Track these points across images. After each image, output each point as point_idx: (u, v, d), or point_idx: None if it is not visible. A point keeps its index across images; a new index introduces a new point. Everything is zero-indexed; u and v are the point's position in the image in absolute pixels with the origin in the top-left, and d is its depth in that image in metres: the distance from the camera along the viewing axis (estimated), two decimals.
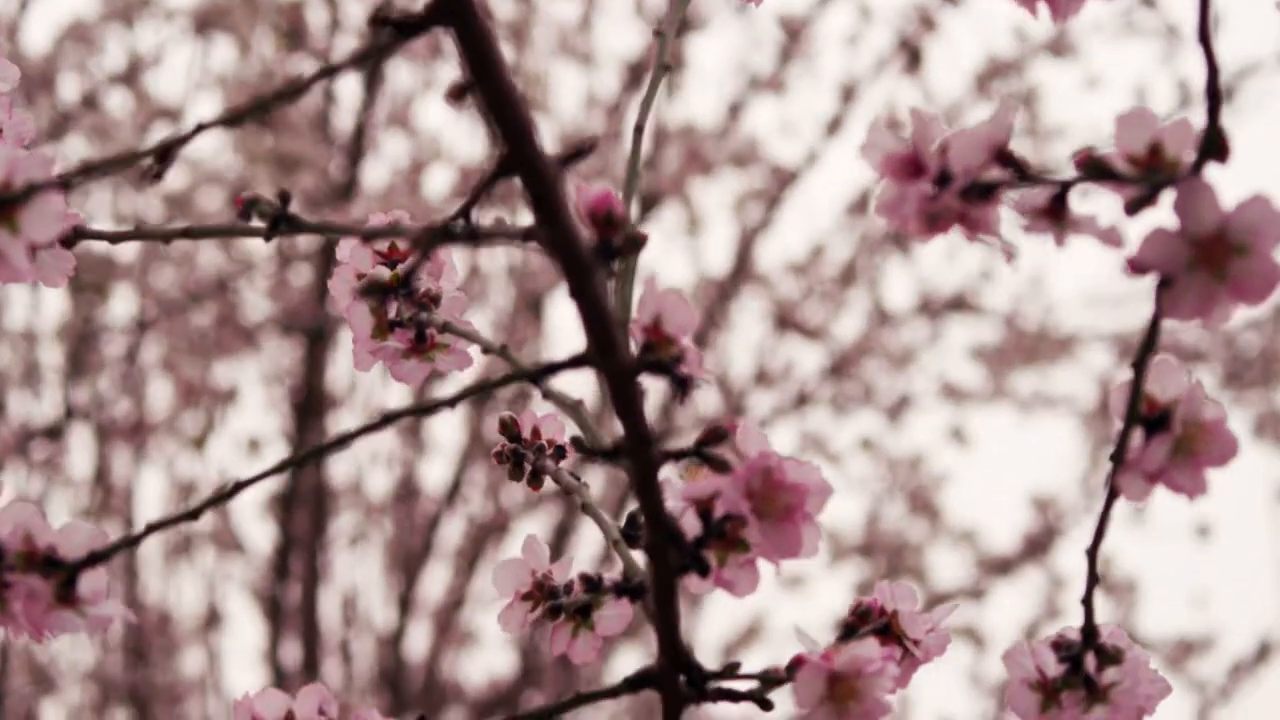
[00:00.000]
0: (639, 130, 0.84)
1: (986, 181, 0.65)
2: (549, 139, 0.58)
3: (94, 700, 4.14)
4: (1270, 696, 4.50)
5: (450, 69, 4.14)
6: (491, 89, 0.58)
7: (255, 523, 4.28)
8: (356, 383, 4.21)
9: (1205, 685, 4.51)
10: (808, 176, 4.22)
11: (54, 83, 3.65)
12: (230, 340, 4.10)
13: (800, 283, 4.36)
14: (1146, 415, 0.66)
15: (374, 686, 4.15)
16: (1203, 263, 0.61)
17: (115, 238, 0.81)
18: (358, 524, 4.32)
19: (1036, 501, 4.50)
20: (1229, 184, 0.62)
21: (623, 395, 0.63)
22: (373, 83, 4.07)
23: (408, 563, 4.24)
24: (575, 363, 0.63)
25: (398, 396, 4.22)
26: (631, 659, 4.16)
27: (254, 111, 0.65)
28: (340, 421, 4.22)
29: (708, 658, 0.71)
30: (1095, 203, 0.65)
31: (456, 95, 0.61)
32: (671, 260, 4.23)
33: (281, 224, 0.73)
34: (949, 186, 0.65)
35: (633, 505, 0.71)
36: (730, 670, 0.71)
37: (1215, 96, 0.62)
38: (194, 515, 0.71)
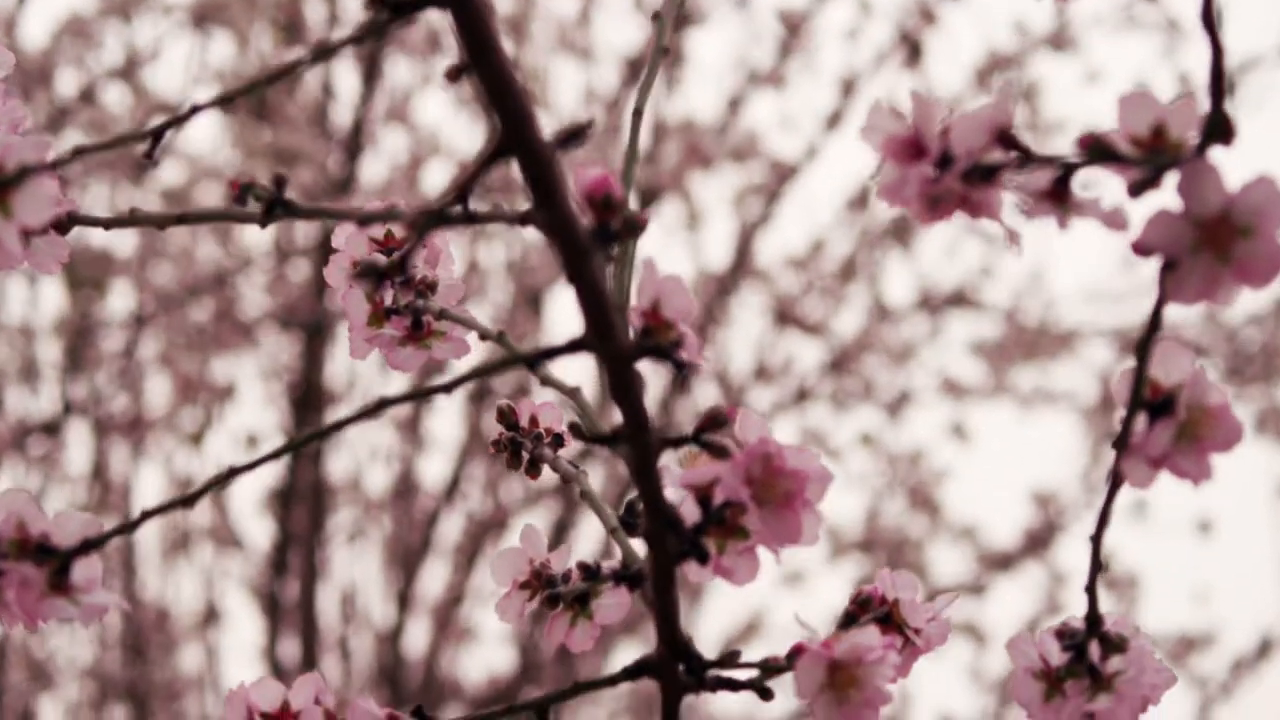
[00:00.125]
0: (638, 114, 0.83)
1: (989, 164, 0.64)
2: (547, 134, 0.57)
3: (92, 697, 4.14)
4: (1272, 693, 4.50)
5: (449, 62, 4.13)
6: (488, 70, 0.57)
7: (253, 519, 4.28)
8: (355, 378, 4.20)
9: (1206, 681, 4.51)
10: (807, 171, 4.22)
11: (51, 78, 3.65)
12: (228, 336, 4.09)
13: (800, 278, 4.36)
14: (1150, 400, 0.65)
15: (373, 683, 4.14)
16: (1207, 245, 0.61)
17: (110, 224, 0.80)
18: (356, 520, 4.32)
19: (1037, 497, 4.50)
20: (1231, 175, 0.61)
21: (621, 380, 0.62)
22: (371, 77, 4.07)
23: (406, 559, 4.23)
24: (573, 347, 0.62)
25: (397, 390, 4.21)
26: (631, 654, 4.15)
27: (249, 91, 0.65)
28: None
29: (707, 653, 0.70)
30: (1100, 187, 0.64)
31: (453, 76, 0.60)
32: (671, 255, 4.22)
33: (277, 209, 0.72)
34: (951, 169, 0.64)
35: (633, 497, 0.70)
36: (730, 659, 0.70)
37: (1219, 77, 0.62)
38: (189, 502, 0.70)
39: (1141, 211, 0.61)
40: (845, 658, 0.68)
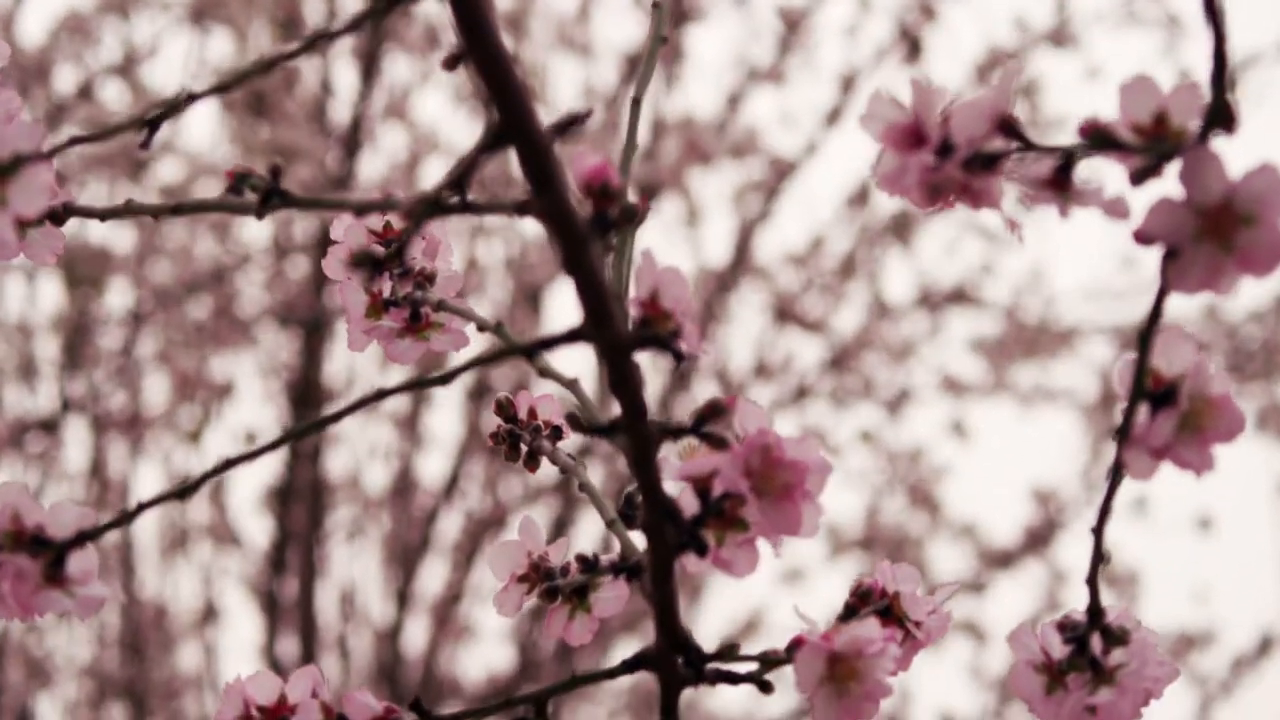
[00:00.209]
0: (636, 104, 0.83)
1: (989, 152, 0.64)
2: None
3: (90, 695, 4.14)
4: (1272, 691, 4.49)
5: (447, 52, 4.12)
6: (485, 56, 0.57)
7: (252, 517, 4.27)
8: (354, 375, 4.20)
9: (1207, 679, 4.50)
10: (807, 168, 4.22)
11: (49, 74, 3.65)
12: (227, 333, 4.09)
13: (800, 275, 4.36)
14: (1152, 390, 0.64)
15: (372, 681, 4.14)
16: (1209, 233, 0.60)
17: (106, 214, 0.80)
18: (355, 518, 4.31)
19: (1037, 494, 4.49)
20: (1234, 164, 0.61)
21: (619, 370, 0.61)
22: (370, 74, 4.06)
23: (405, 557, 4.23)
24: (571, 337, 0.62)
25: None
26: (630, 652, 4.14)
27: (246, 78, 0.64)
28: (340, 422, 4.19)
29: (706, 649, 0.69)
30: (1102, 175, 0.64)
31: (450, 64, 0.60)
32: (670, 251, 4.22)
33: (273, 198, 0.72)
34: (951, 157, 0.64)
35: (631, 489, 0.69)
36: (729, 651, 0.70)
37: (1221, 63, 0.61)
38: (185, 494, 0.70)
39: (1143, 200, 0.61)
40: (845, 650, 0.67)
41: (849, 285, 4.38)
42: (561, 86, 4.21)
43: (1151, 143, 0.61)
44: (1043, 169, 0.63)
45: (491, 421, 0.85)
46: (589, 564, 0.77)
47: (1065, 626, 0.72)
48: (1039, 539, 4.48)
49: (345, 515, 4.31)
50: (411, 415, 4.26)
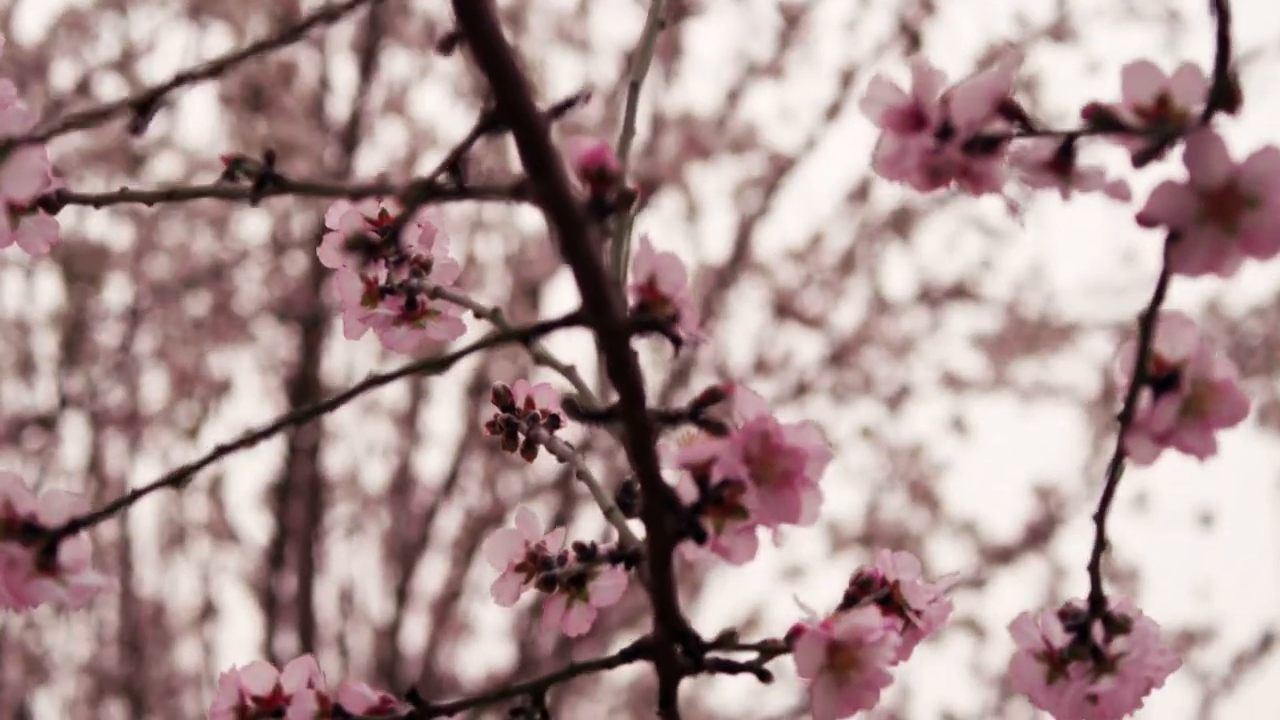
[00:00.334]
0: (634, 88, 0.82)
1: (990, 134, 0.63)
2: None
3: (89, 693, 4.13)
4: (1274, 687, 4.49)
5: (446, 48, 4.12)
6: (481, 38, 0.56)
7: (251, 514, 4.27)
8: (353, 371, 4.20)
9: (1208, 676, 4.50)
10: (807, 163, 4.21)
11: (48, 70, 3.65)
12: (225, 329, 4.09)
13: (799, 271, 4.35)
14: (1155, 375, 0.64)
15: (370, 678, 4.13)
16: (1213, 216, 0.60)
17: (100, 201, 0.79)
18: (354, 515, 4.31)
19: (1038, 490, 4.49)
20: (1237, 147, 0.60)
21: (617, 355, 0.61)
22: (368, 69, 4.06)
23: (404, 554, 4.23)
24: (568, 322, 0.61)
25: (394, 385, 4.20)
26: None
27: (240, 58, 0.64)
28: (336, 410, 4.19)
29: None
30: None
31: (446, 47, 0.59)
32: (670, 247, 4.21)
33: (267, 184, 0.71)
34: (951, 140, 0.63)
35: (629, 477, 0.69)
36: (727, 639, 0.69)
37: (1225, 44, 0.60)
38: (178, 481, 0.69)
39: (1145, 183, 0.60)
40: (845, 638, 0.67)
41: (849, 281, 4.37)
42: (560, 82, 4.20)
43: (1154, 125, 0.61)
44: (1044, 151, 0.63)
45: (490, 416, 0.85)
46: (586, 553, 0.76)
47: (1067, 614, 0.71)
48: (1039, 535, 4.48)
49: (344, 512, 4.31)
50: (410, 412, 4.26)
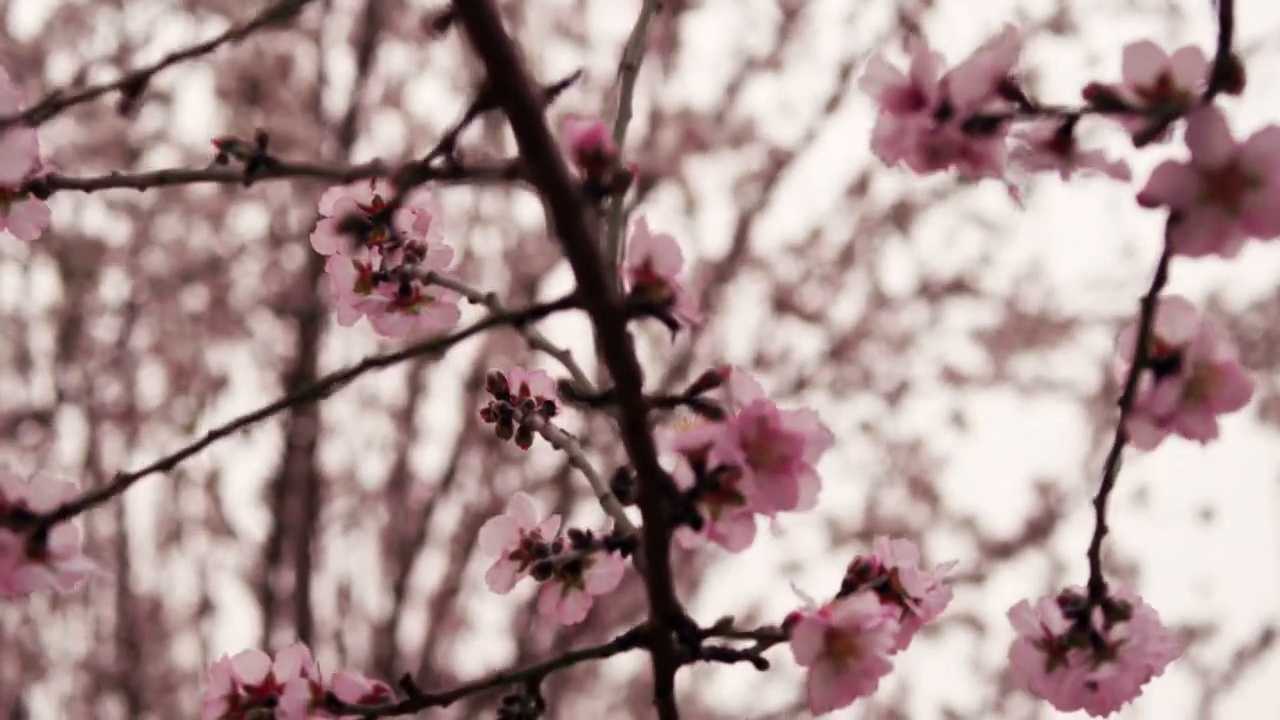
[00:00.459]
0: (629, 70, 0.81)
1: (989, 114, 0.62)
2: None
3: (86, 689, 4.13)
4: (1274, 683, 4.48)
5: (444, 49, 4.12)
6: (474, 16, 0.55)
7: (248, 510, 4.26)
8: (350, 365, 4.19)
9: (1209, 672, 4.49)
10: (806, 157, 4.21)
11: (44, 65, 3.64)
12: (222, 324, 4.08)
13: (799, 265, 4.35)
14: (1156, 358, 0.63)
15: (368, 674, 4.11)
16: (1215, 196, 0.59)
17: (91, 185, 0.78)
18: (351, 511, 4.30)
19: (1037, 485, 4.49)
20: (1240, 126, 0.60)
21: (612, 338, 0.60)
22: (365, 64, 4.06)
23: (402, 550, 4.22)
24: (563, 304, 0.61)
25: (391, 380, 4.20)
26: None
27: (229, 38, 0.63)
28: (334, 406, 4.20)
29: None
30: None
31: (439, 25, 0.58)
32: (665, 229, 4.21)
33: (260, 166, 0.71)
34: (950, 119, 0.62)
35: (625, 463, 0.68)
36: (724, 626, 0.68)
37: (1227, 22, 0.60)
38: (168, 466, 0.68)
39: (1147, 163, 0.60)
40: (843, 625, 0.66)
41: (848, 275, 4.37)
42: (558, 77, 4.19)
43: (1155, 104, 0.60)
44: (1044, 131, 0.62)
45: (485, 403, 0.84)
46: (582, 539, 0.75)
47: (1066, 601, 0.71)
48: (1039, 530, 4.47)
49: (342, 508, 4.30)
50: (408, 407, 4.26)
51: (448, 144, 0.61)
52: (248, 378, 4.23)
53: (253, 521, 4.26)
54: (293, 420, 4.07)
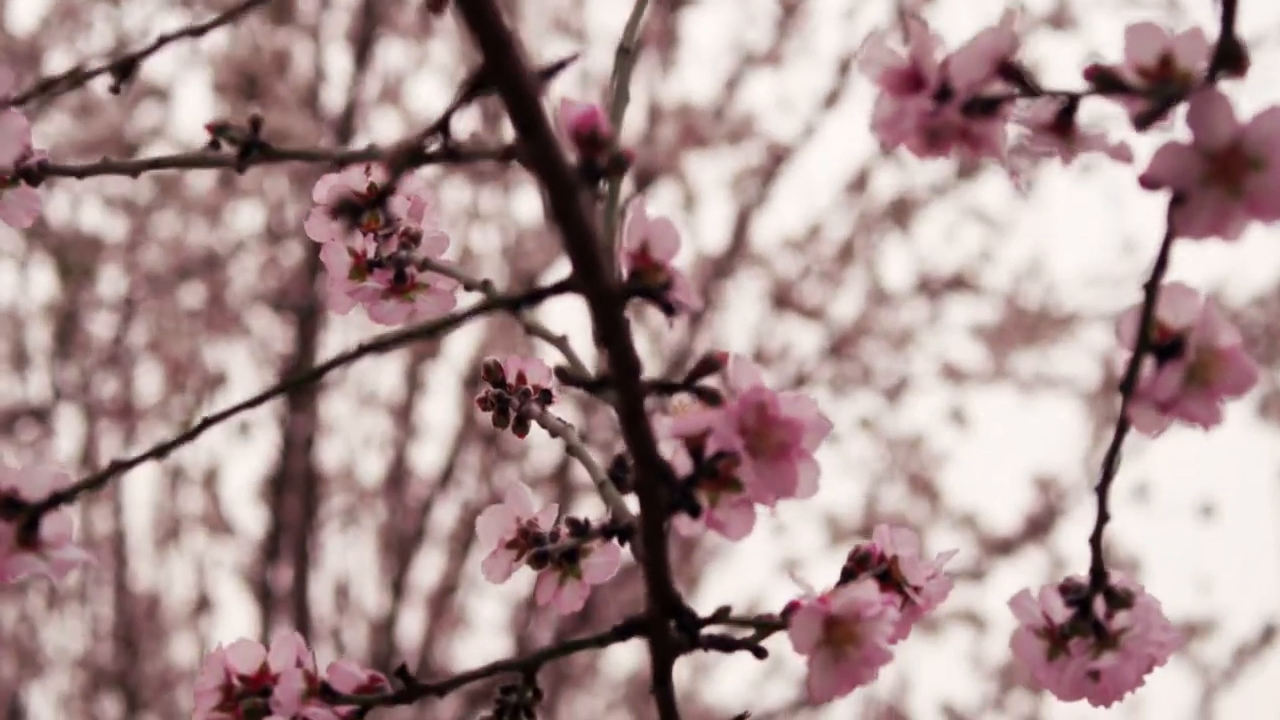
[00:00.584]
0: (625, 52, 0.81)
1: (990, 96, 0.62)
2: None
3: (83, 687, 4.12)
4: (1275, 680, 4.48)
5: (441, 45, 4.12)
6: None
7: (246, 507, 4.26)
8: (348, 351, 4.19)
9: (1209, 668, 4.49)
10: (805, 153, 4.21)
11: (40, 60, 3.64)
12: (220, 320, 4.08)
13: (798, 261, 4.34)
14: (1158, 342, 0.62)
15: None
16: (1217, 178, 0.58)
17: (83, 172, 0.78)
18: (349, 508, 4.30)
19: (1037, 482, 4.48)
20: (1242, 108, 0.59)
21: (609, 322, 0.59)
22: (363, 59, 4.05)
23: (400, 547, 4.22)
24: (559, 289, 0.60)
25: (390, 377, 4.20)
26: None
27: (222, 22, 0.62)
28: (332, 403, 4.20)
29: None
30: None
31: (435, 6, 0.58)
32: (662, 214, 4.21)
33: (253, 151, 0.70)
34: (950, 101, 0.62)
35: (622, 451, 0.67)
36: (722, 614, 0.68)
37: (1230, 3, 0.59)
38: (162, 453, 0.68)
39: (1149, 145, 0.59)
40: (843, 613, 0.65)
41: (847, 272, 4.37)
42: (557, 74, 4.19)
43: (1157, 85, 0.59)
44: (1045, 113, 0.61)
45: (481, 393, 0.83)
46: (579, 528, 0.75)
47: (1068, 589, 0.70)
48: (1039, 527, 4.47)
49: (339, 505, 4.30)
50: (406, 404, 4.25)
51: (442, 126, 0.61)
52: (245, 374, 4.23)
53: (251, 519, 4.26)
54: (291, 417, 4.07)
